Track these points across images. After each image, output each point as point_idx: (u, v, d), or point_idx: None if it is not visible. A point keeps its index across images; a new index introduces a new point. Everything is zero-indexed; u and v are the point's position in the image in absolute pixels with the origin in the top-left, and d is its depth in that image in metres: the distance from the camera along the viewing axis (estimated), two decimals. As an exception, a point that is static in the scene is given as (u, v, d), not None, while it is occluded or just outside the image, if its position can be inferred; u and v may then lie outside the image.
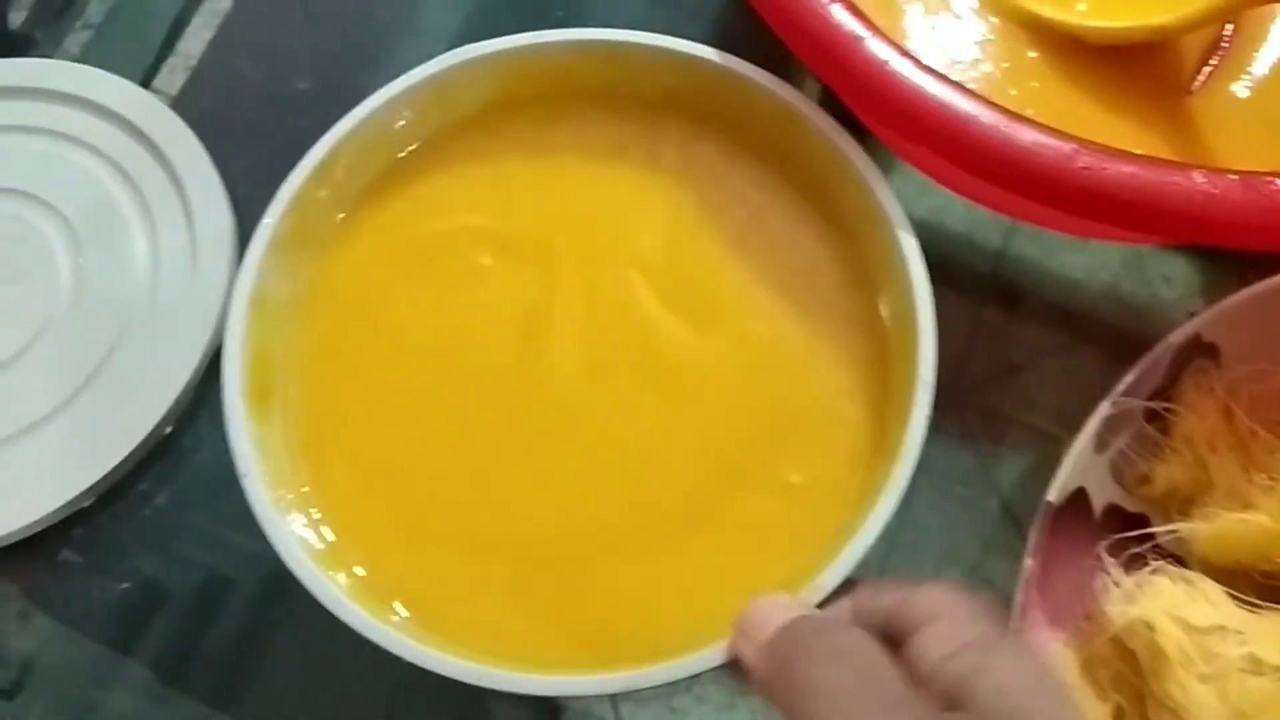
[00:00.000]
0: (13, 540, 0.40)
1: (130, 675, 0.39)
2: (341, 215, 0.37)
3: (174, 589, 0.40)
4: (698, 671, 0.29)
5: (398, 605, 0.32)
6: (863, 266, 0.35)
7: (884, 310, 0.35)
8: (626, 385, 0.34)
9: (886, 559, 0.39)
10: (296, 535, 0.32)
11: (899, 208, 0.34)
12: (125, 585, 0.40)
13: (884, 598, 0.27)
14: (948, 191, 0.40)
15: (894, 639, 0.26)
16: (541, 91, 0.38)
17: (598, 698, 0.38)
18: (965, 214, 0.43)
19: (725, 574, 0.32)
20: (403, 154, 0.38)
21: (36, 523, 0.39)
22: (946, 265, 0.43)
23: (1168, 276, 0.42)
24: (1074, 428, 0.35)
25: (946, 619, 0.25)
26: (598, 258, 0.36)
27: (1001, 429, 0.40)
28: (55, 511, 0.40)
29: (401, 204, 0.37)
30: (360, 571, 0.32)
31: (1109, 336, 0.41)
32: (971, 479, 0.40)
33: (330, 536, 0.33)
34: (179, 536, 0.40)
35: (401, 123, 0.37)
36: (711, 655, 0.29)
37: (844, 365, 0.34)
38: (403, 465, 0.34)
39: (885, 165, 0.44)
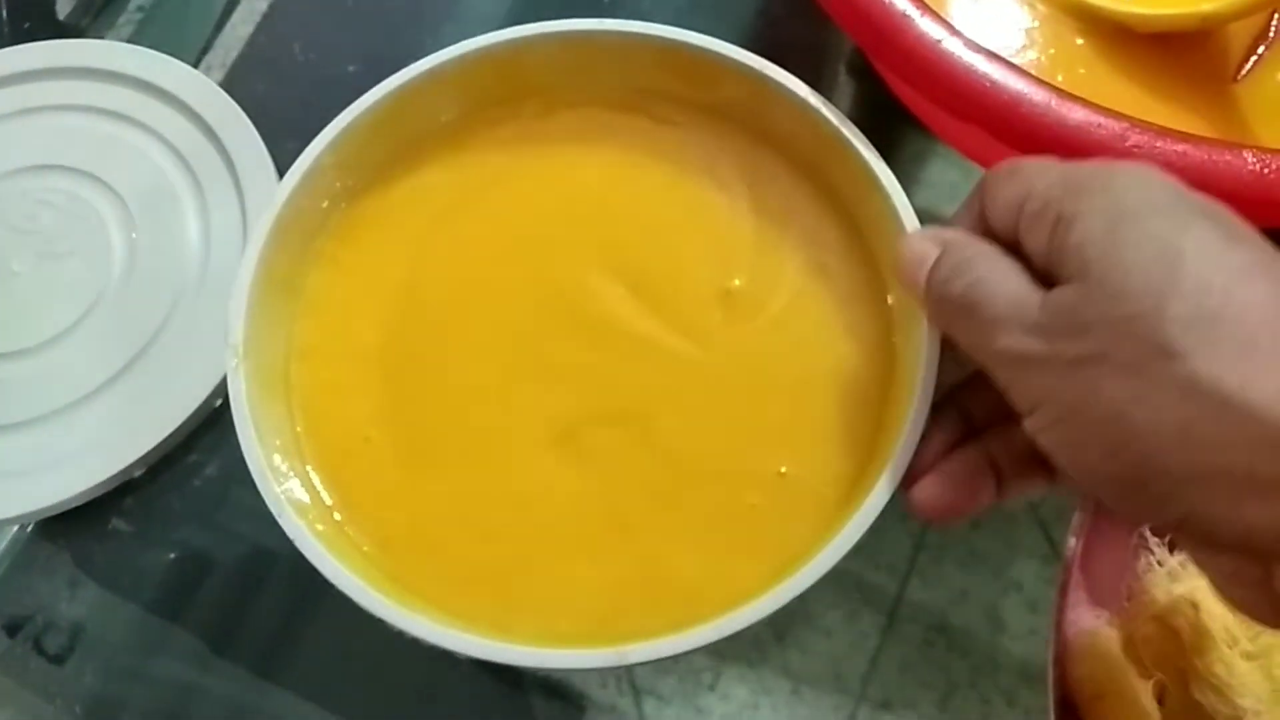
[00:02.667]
0: (65, 509, 0.40)
1: (177, 643, 0.40)
2: (345, 203, 0.37)
3: (221, 559, 0.40)
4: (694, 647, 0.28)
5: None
6: (875, 267, 0.35)
7: (893, 308, 0.34)
8: (622, 380, 0.34)
9: (914, 558, 0.39)
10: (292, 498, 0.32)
11: (910, 209, 0.33)
12: (173, 555, 0.41)
13: (972, 210, 0.28)
14: (968, 191, 0.40)
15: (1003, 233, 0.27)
16: (556, 81, 0.37)
17: (621, 696, 0.38)
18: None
19: (720, 557, 0.32)
20: (413, 139, 0.37)
21: (88, 491, 0.40)
22: None
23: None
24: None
25: (1030, 196, 0.26)
26: (608, 249, 0.36)
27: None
28: (106, 481, 0.40)
29: (410, 189, 0.37)
30: (369, 550, 0.33)
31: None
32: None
33: (338, 517, 0.33)
34: (226, 508, 0.41)
35: (416, 106, 0.37)
36: (705, 633, 0.28)
37: (846, 374, 0.34)
38: (409, 447, 0.34)
39: (916, 171, 0.45)
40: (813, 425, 0.33)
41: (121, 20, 0.51)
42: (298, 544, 0.30)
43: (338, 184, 0.36)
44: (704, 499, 0.32)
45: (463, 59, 0.36)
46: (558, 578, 0.32)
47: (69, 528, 0.41)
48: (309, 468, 0.33)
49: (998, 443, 0.29)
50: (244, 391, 0.32)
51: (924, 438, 0.29)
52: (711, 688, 0.38)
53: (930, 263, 0.28)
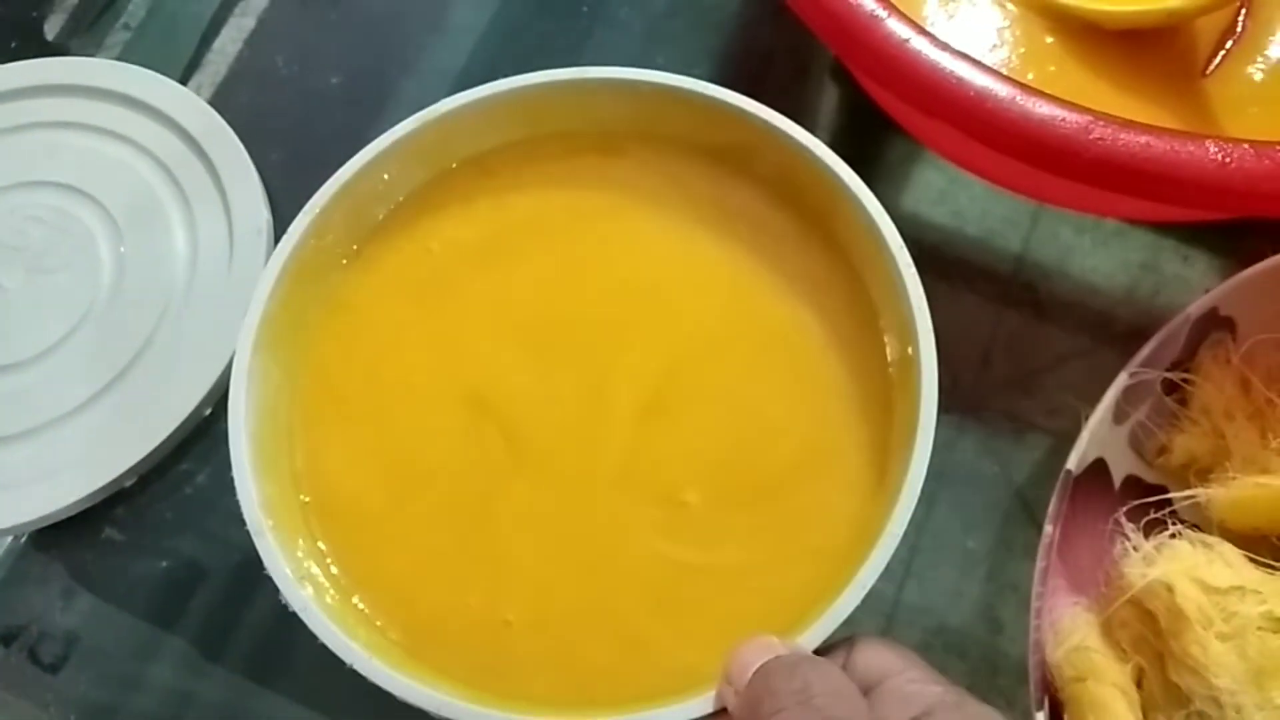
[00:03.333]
0: (57, 519, 0.41)
1: (171, 650, 0.40)
2: (345, 260, 0.37)
3: (213, 567, 0.41)
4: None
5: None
6: (867, 298, 0.34)
7: (889, 343, 0.34)
8: (628, 413, 0.34)
9: (910, 561, 0.39)
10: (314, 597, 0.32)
11: (900, 240, 0.33)
12: (166, 563, 0.41)
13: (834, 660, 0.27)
14: (965, 195, 0.40)
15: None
16: (550, 130, 0.37)
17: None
18: (983, 218, 0.44)
19: (719, 621, 0.31)
20: (406, 196, 0.37)
21: (80, 502, 0.41)
22: (966, 269, 0.43)
23: (1187, 278, 0.43)
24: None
25: (900, 678, 0.26)
26: (605, 292, 0.36)
27: (1023, 431, 0.41)
28: (98, 491, 0.41)
29: (407, 246, 0.37)
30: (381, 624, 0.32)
31: (1131, 338, 0.41)
32: (993, 482, 0.40)
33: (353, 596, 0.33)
34: (217, 516, 0.41)
35: (397, 170, 0.36)
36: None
37: (850, 397, 0.33)
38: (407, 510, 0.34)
39: (902, 175, 0.45)
40: (814, 464, 0.33)
41: (109, 39, 0.51)
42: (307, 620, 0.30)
43: (337, 244, 0.36)
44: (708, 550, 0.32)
45: (453, 112, 0.36)
46: (560, 639, 0.32)
47: (62, 538, 0.41)
48: (319, 542, 0.33)
49: None
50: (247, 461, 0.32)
51: None
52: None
53: (777, 651, 0.27)
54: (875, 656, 0.27)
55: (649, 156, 0.37)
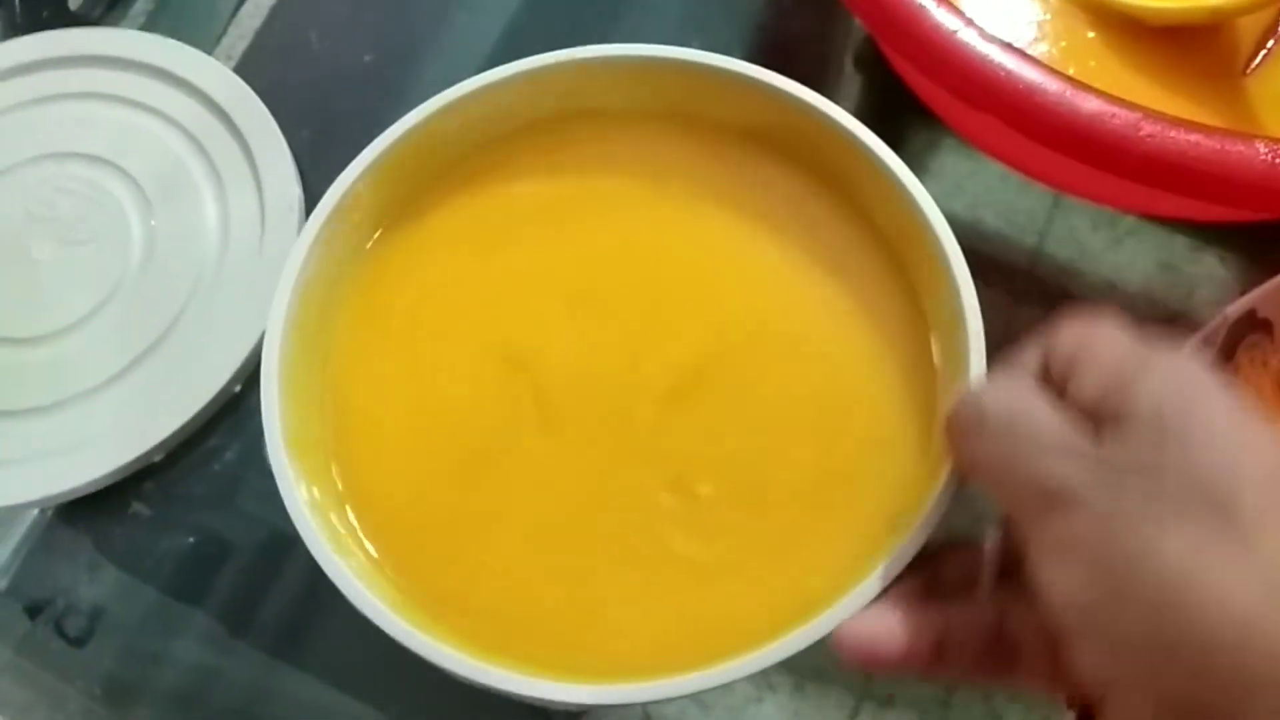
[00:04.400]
0: (85, 493, 0.41)
1: (196, 625, 0.40)
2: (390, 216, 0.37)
3: (239, 543, 0.41)
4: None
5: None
6: (909, 287, 0.34)
7: (934, 341, 0.34)
8: (657, 394, 0.34)
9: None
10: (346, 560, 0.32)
11: (945, 225, 0.33)
12: (192, 539, 0.41)
13: (1030, 360, 0.27)
14: (981, 187, 0.40)
15: (1058, 385, 0.26)
16: (577, 108, 0.37)
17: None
18: (1001, 211, 0.44)
19: (684, 614, 0.31)
20: (444, 169, 0.37)
21: (108, 476, 0.40)
22: (983, 262, 0.43)
23: (1203, 275, 0.43)
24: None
25: (1089, 354, 0.25)
26: (644, 271, 0.36)
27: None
28: (126, 465, 0.41)
29: (444, 221, 0.37)
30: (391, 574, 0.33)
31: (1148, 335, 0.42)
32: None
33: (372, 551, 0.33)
34: (245, 492, 0.41)
35: (451, 132, 0.36)
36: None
37: (895, 381, 0.33)
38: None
39: (921, 165, 0.45)
40: (857, 446, 0.33)
41: (135, 10, 0.51)
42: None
43: (368, 219, 0.36)
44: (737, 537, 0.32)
45: (492, 85, 0.36)
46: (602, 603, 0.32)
47: (89, 512, 0.41)
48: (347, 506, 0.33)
49: (959, 612, 0.27)
50: (279, 421, 0.32)
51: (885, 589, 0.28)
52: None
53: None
54: (1073, 335, 0.26)
55: (686, 137, 0.37)
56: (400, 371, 0.35)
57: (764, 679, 0.38)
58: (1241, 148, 0.30)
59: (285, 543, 0.41)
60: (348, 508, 0.33)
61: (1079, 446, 0.23)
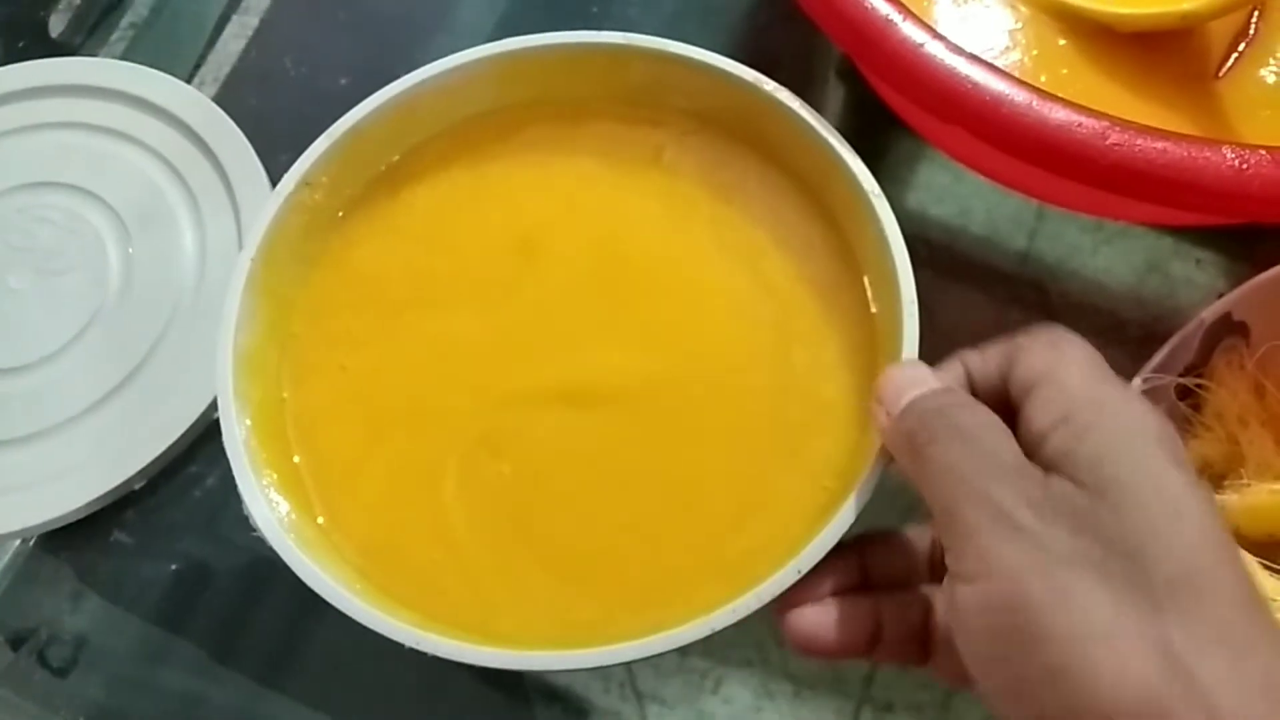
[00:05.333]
0: (66, 522, 0.41)
1: (180, 653, 0.40)
2: (342, 211, 0.38)
3: (222, 569, 0.41)
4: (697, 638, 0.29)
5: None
6: (853, 257, 0.35)
7: (872, 300, 0.35)
8: (629, 384, 0.35)
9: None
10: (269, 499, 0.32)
11: (885, 201, 0.33)
12: (174, 566, 0.41)
13: (990, 361, 0.28)
14: (969, 193, 0.40)
15: (1013, 402, 0.26)
16: (549, 93, 0.38)
17: (624, 701, 0.38)
18: (988, 216, 0.44)
19: (722, 536, 0.32)
20: (404, 152, 0.38)
21: (89, 505, 0.40)
22: (970, 267, 0.43)
23: (1190, 277, 0.43)
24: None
25: (1050, 382, 0.25)
26: (602, 247, 0.37)
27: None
28: (107, 494, 0.41)
29: (410, 197, 0.38)
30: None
31: (1134, 338, 0.42)
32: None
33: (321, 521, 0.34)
34: (226, 519, 0.41)
35: (415, 115, 0.38)
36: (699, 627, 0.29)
37: (838, 349, 0.34)
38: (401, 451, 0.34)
39: (907, 173, 0.45)
40: (805, 414, 0.34)
41: (114, 37, 0.51)
42: (285, 557, 0.31)
43: (328, 196, 0.37)
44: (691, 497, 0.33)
45: (461, 69, 0.37)
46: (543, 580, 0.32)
47: (71, 541, 0.41)
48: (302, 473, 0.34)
49: (891, 605, 0.29)
50: (233, 403, 0.33)
51: (815, 572, 0.29)
52: (714, 691, 0.38)
53: (929, 386, 0.27)
54: (1039, 357, 0.27)
55: (638, 122, 0.38)
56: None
57: (762, 687, 0.38)
58: (1209, 154, 0.30)
59: (267, 567, 0.40)
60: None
61: (1033, 476, 0.24)
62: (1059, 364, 0.26)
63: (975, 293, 0.43)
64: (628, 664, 0.29)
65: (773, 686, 0.38)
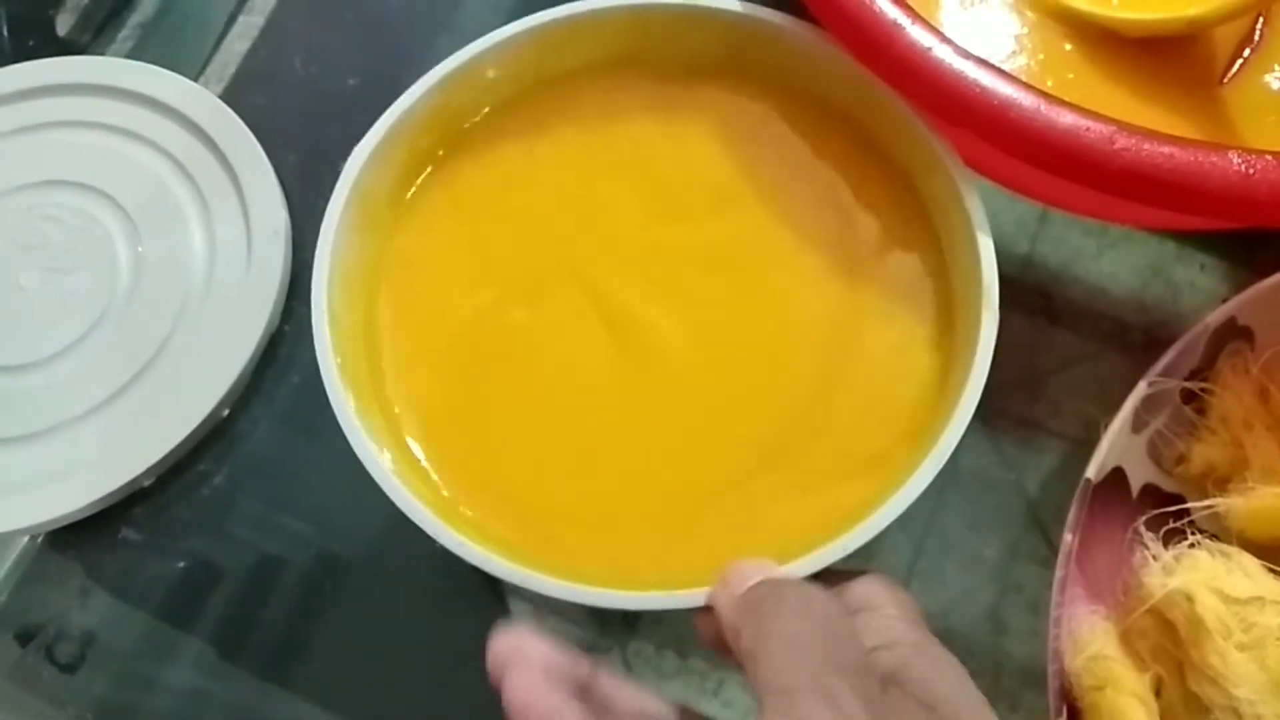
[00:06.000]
0: (74, 519, 0.41)
1: (187, 650, 0.40)
2: (443, 150, 0.39)
3: (229, 567, 0.41)
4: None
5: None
6: (923, 220, 0.37)
7: (949, 265, 0.36)
8: (690, 341, 0.36)
9: (914, 563, 0.39)
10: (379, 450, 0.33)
11: (959, 161, 0.35)
12: (182, 563, 0.41)
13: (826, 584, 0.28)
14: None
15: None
16: (595, 58, 0.39)
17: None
18: (992, 218, 0.44)
19: (784, 526, 0.33)
20: (507, 98, 0.40)
21: (97, 502, 0.41)
22: None
23: (1193, 282, 0.43)
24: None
25: (878, 613, 0.28)
26: (659, 217, 0.38)
27: (1030, 435, 0.41)
28: (115, 491, 0.41)
29: (506, 149, 0.39)
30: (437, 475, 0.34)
31: (1136, 343, 0.42)
32: (999, 485, 0.40)
33: (397, 410, 0.35)
34: (234, 517, 0.42)
35: (480, 84, 0.39)
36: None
37: (907, 323, 0.35)
38: (487, 388, 0.36)
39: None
40: (873, 392, 0.35)
41: (122, 35, 0.52)
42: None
43: (423, 144, 0.38)
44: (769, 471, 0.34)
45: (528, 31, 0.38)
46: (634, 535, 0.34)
47: (79, 538, 0.42)
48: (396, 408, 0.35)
49: None
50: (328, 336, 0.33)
51: None
52: (715, 694, 0.38)
53: (781, 572, 0.29)
54: (868, 588, 0.28)
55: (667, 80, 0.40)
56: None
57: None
58: (1215, 159, 0.31)
59: (274, 566, 0.41)
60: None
61: (872, 677, 0.25)
62: (886, 599, 0.28)
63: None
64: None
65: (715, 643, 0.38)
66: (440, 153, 0.39)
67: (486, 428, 0.35)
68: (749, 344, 0.36)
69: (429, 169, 0.39)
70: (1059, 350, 0.42)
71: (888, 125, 0.37)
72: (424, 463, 0.34)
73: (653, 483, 0.34)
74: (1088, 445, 0.35)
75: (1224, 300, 0.37)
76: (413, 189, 0.39)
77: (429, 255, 0.37)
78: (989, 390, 0.41)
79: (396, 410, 0.35)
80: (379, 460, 0.32)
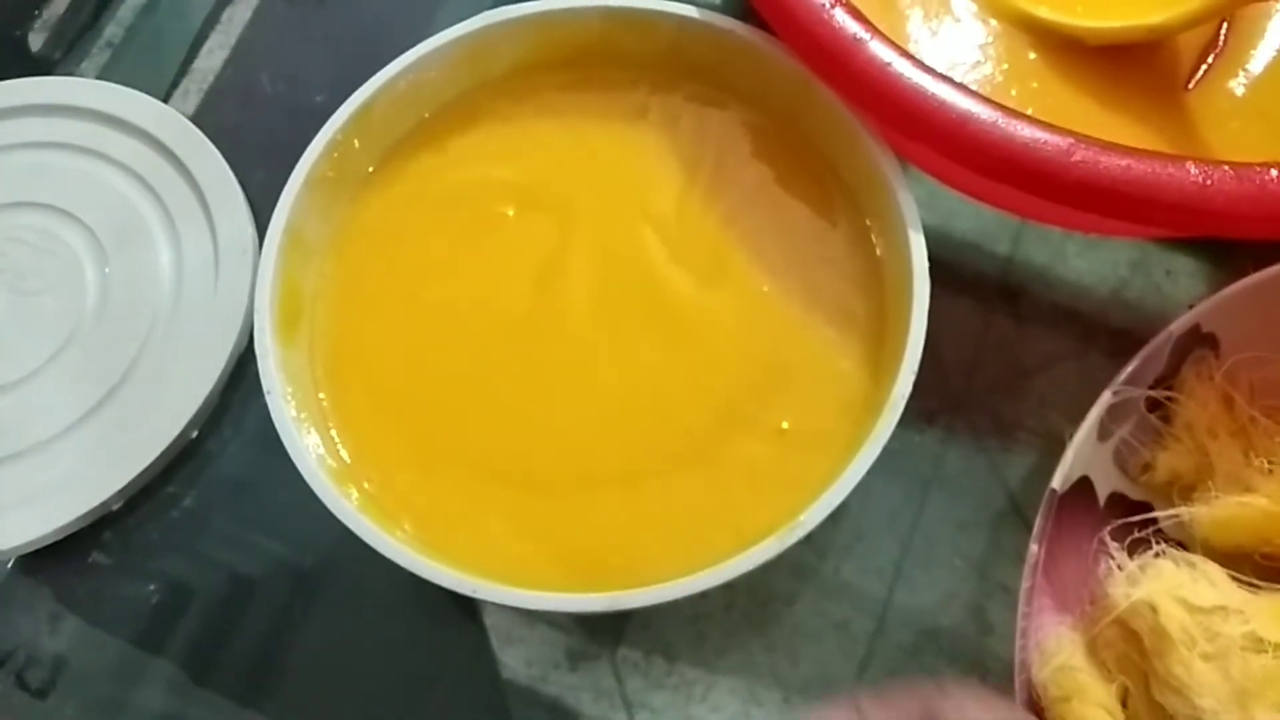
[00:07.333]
0: (44, 544, 0.41)
1: (159, 674, 0.40)
2: (372, 167, 0.40)
3: (200, 590, 0.41)
4: (676, 597, 0.30)
5: (405, 523, 0.34)
6: (864, 228, 0.37)
7: (884, 270, 0.36)
8: (632, 330, 0.37)
9: (900, 562, 0.39)
10: (314, 453, 0.34)
11: (901, 174, 0.35)
12: (153, 586, 0.41)
13: (894, 711, 0.27)
14: (954, 199, 0.41)
15: None
16: (565, 56, 0.40)
17: (614, 710, 0.38)
18: (973, 221, 0.44)
19: (713, 512, 0.34)
20: (432, 111, 0.40)
21: (67, 526, 0.40)
22: (955, 271, 0.43)
23: (1174, 279, 0.43)
24: (1085, 430, 0.35)
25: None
26: (613, 213, 0.38)
27: (1013, 434, 0.41)
28: (85, 515, 0.40)
29: (430, 157, 0.40)
30: (371, 488, 0.35)
31: (1118, 340, 0.42)
32: (983, 484, 0.40)
33: (345, 456, 0.35)
34: (204, 539, 0.41)
35: (433, 80, 0.40)
36: (692, 584, 0.30)
37: (843, 323, 0.36)
38: (418, 394, 0.36)
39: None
40: (807, 385, 0.35)
41: (95, 50, 0.51)
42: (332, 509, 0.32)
43: (361, 151, 0.39)
44: (702, 454, 0.35)
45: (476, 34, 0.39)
46: (556, 526, 0.34)
47: (48, 562, 0.41)
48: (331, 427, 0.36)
49: None
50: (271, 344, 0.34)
51: None
52: (703, 699, 0.38)
53: None
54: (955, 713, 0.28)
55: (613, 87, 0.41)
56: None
57: (751, 695, 0.38)
58: (1172, 170, 0.31)
59: (246, 587, 0.41)
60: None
61: None
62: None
63: (959, 297, 0.43)
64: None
65: (761, 694, 0.38)
66: (370, 169, 0.40)
67: (426, 462, 0.35)
68: (683, 334, 0.36)
69: (362, 186, 0.40)
70: (1042, 349, 0.42)
71: (818, 116, 0.38)
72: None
73: (599, 484, 0.35)
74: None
75: (1190, 306, 0.37)
76: (346, 206, 0.39)
77: (358, 289, 0.38)
78: (973, 391, 0.41)
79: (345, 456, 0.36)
80: (344, 503, 0.32)
